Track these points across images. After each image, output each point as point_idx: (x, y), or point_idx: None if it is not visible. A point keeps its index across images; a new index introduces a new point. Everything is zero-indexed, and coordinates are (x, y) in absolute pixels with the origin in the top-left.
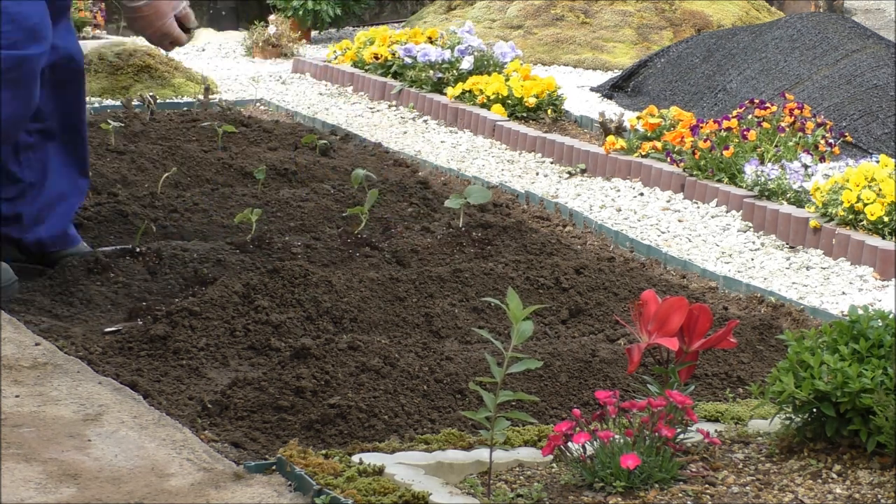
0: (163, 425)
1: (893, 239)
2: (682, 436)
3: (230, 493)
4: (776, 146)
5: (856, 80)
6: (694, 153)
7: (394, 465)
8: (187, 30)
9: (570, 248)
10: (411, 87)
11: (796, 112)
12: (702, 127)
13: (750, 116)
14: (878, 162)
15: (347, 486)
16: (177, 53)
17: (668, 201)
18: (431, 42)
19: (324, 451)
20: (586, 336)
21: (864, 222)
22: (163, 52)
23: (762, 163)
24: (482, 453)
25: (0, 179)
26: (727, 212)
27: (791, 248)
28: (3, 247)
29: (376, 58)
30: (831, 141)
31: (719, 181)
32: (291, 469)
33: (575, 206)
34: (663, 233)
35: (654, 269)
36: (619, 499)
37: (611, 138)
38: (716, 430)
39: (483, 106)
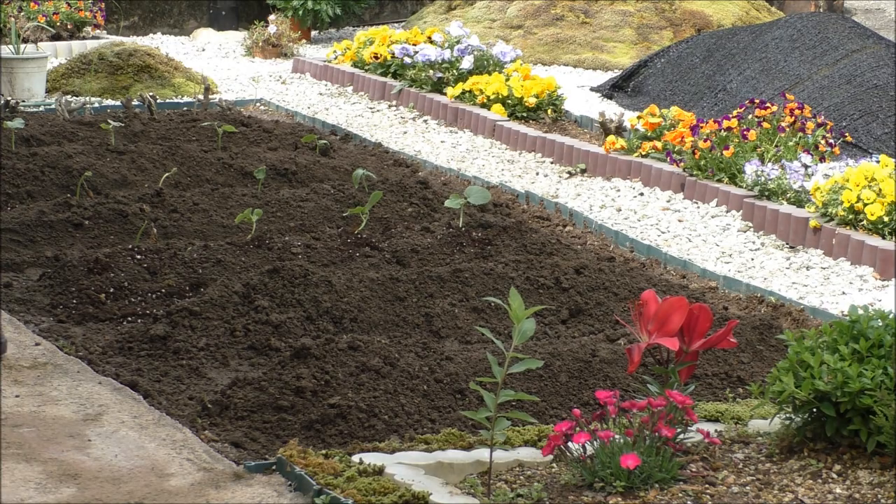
0: (163, 425)
1: (893, 239)
2: (682, 436)
3: (230, 493)
4: (776, 146)
5: (856, 79)
6: (694, 153)
7: (394, 465)
8: None
9: (570, 248)
10: (411, 86)
11: (797, 112)
12: (702, 127)
13: (750, 116)
14: (878, 162)
15: (347, 486)
16: (177, 53)
17: (668, 201)
18: (431, 42)
19: (324, 451)
20: (586, 336)
21: (864, 222)
22: (163, 51)
23: (762, 163)
24: (482, 453)
25: None
26: (727, 212)
27: (791, 248)
28: None
29: (376, 58)
30: (831, 141)
31: (719, 181)
32: (291, 469)
33: (575, 206)
34: (663, 233)
35: (654, 268)
36: (619, 499)
37: (611, 138)
38: (716, 430)
39: (483, 106)
